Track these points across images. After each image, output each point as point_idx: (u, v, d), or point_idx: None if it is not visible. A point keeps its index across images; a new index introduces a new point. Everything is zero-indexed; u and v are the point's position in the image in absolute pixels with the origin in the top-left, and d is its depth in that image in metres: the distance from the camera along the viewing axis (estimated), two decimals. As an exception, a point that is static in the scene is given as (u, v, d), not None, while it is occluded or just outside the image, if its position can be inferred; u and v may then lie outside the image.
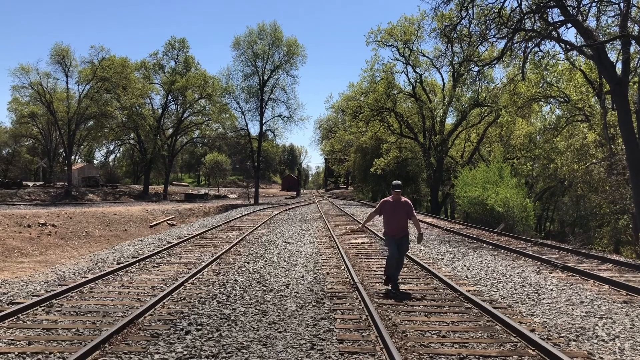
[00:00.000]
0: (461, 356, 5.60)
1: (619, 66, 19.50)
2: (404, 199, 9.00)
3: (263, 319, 6.94)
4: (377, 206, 9.27)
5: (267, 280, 9.64)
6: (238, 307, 7.55)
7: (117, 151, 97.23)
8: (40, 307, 7.45)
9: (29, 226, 22.95)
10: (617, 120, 18.32)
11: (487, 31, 20.11)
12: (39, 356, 5.44)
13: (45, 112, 54.54)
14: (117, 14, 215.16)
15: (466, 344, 5.98)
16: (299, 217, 27.00)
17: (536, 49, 19.86)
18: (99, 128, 57.56)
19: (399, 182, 9.06)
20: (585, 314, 7.42)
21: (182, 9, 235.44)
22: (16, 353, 5.51)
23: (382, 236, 17.33)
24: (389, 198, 9.07)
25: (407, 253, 9.19)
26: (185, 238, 16.21)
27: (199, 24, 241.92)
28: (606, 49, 18.18)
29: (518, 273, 10.70)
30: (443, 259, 12.57)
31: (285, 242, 15.74)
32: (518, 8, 18.86)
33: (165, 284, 9.21)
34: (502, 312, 7.36)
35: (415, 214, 9.07)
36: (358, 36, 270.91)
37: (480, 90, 38.11)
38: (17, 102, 59.88)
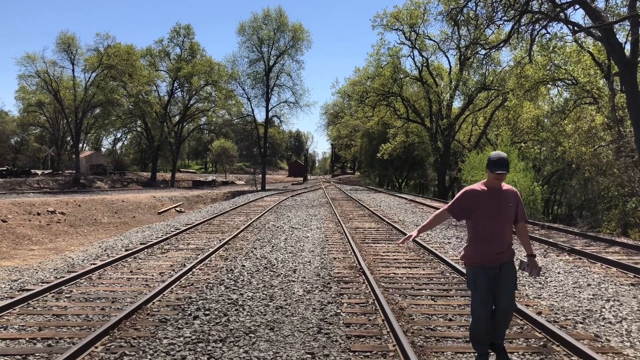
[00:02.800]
0: (467, 339, 5.62)
1: (627, 47, 19.29)
2: (507, 186, 4.69)
3: (270, 304, 6.99)
4: (453, 201, 4.78)
5: (275, 265, 9.70)
6: (246, 292, 7.60)
7: (124, 139, 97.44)
8: (50, 293, 7.53)
9: (38, 214, 23.14)
10: (626, 102, 18.16)
11: (494, 13, 19.93)
12: (49, 342, 5.51)
13: (52, 100, 54.66)
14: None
15: (472, 327, 6.00)
16: (306, 202, 27.05)
17: (543, 31, 19.68)
18: (106, 116, 57.69)
19: (504, 154, 4.53)
20: (592, 297, 7.42)
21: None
22: (27, 339, 5.59)
23: (389, 221, 17.08)
24: (476, 186, 4.68)
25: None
26: (193, 224, 16.29)
27: (202, 5, 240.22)
28: (614, 30, 17.97)
29: (524, 256, 10.67)
30: (450, 242, 12.57)
31: (292, 227, 15.79)
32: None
33: (174, 270, 9.28)
34: (508, 295, 7.36)
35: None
36: (364, 18, 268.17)
37: (487, 74, 37.80)
38: (24, 90, 60.17)
